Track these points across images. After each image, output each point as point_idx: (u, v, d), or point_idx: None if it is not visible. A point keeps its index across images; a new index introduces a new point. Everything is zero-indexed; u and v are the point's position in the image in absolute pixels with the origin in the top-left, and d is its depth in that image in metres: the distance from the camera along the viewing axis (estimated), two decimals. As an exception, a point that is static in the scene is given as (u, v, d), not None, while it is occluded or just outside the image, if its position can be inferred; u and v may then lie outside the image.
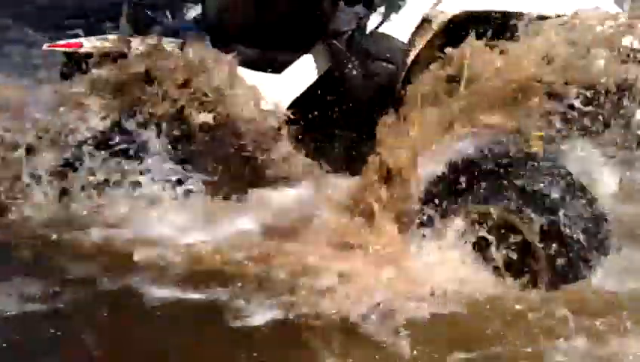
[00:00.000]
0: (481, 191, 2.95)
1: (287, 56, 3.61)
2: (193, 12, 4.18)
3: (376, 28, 3.41)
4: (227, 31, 3.72)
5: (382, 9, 3.44)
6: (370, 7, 3.48)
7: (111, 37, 3.74)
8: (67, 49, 3.79)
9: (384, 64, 3.38)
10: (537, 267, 2.85)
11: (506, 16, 3.07)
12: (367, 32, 3.41)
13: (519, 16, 3.05)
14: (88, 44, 3.73)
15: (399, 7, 3.38)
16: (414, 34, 3.11)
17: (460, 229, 2.98)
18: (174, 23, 4.05)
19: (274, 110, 3.52)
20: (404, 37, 3.34)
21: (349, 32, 3.45)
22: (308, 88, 3.60)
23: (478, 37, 3.11)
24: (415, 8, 3.35)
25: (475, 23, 3.12)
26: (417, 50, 3.11)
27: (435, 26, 3.06)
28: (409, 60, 3.13)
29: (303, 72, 3.61)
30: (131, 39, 3.69)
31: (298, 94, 3.59)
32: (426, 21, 3.08)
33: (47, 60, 4.17)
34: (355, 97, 3.47)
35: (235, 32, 3.71)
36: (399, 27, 3.36)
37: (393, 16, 3.38)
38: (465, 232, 2.98)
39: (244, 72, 3.62)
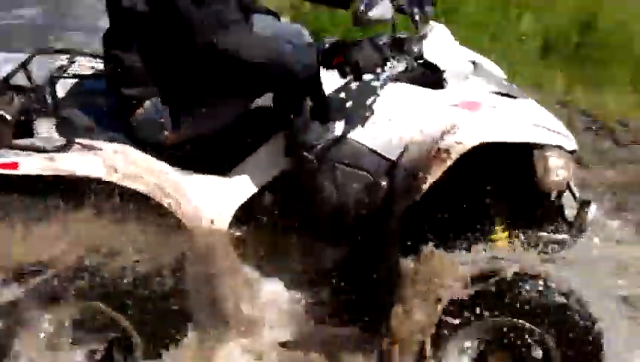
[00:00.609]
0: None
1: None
2: None
3: (342, 136, 3.34)
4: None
5: (346, 119, 3.37)
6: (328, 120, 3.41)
7: (58, 156, 3.14)
8: None
9: (354, 170, 3.33)
10: None
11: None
12: (334, 140, 3.34)
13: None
14: (27, 163, 3.14)
15: (366, 117, 3.35)
16: (430, 162, 3.12)
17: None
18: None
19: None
20: (371, 143, 3.32)
21: (321, 145, 3.35)
22: (259, 192, 3.43)
23: (499, 170, 3.23)
24: (385, 115, 3.33)
25: (496, 154, 3.19)
26: (434, 180, 3.12)
27: (454, 156, 3.09)
28: (424, 187, 3.12)
29: (253, 174, 3.43)
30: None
31: (246, 199, 3.41)
32: (444, 151, 3.10)
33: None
34: (329, 207, 3.38)
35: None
36: (367, 134, 3.32)
37: (359, 126, 3.34)
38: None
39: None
